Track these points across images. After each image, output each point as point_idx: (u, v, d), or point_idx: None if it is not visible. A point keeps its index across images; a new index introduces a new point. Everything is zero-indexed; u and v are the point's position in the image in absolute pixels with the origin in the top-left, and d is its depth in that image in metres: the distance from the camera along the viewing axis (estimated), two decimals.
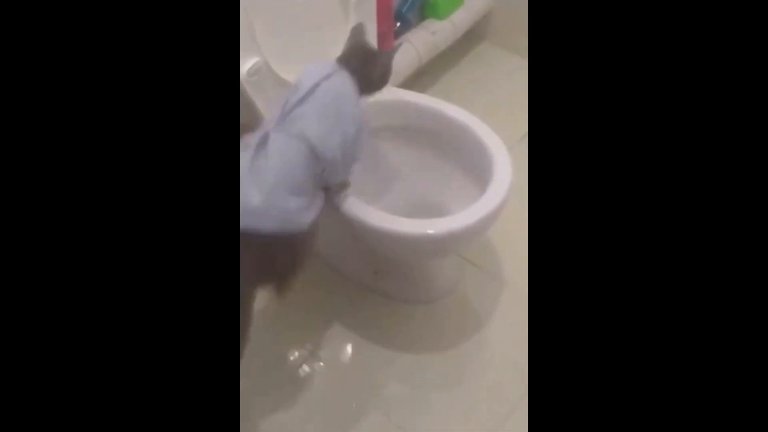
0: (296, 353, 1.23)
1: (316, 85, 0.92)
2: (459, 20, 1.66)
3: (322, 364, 1.22)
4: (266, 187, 0.86)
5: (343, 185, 1.02)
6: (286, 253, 0.91)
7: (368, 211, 1.02)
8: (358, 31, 1.03)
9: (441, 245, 1.07)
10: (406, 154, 1.25)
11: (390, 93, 1.25)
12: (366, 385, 1.18)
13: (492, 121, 1.60)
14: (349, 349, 1.25)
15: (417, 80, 1.70)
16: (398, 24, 1.60)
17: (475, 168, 1.13)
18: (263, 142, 0.89)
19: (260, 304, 0.97)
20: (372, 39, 1.17)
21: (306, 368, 1.21)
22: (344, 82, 0.96)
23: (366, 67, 0.98)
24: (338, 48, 1.16)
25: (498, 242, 1.38)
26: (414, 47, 1.57)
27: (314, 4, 1.09)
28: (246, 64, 0.99)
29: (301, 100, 0.91)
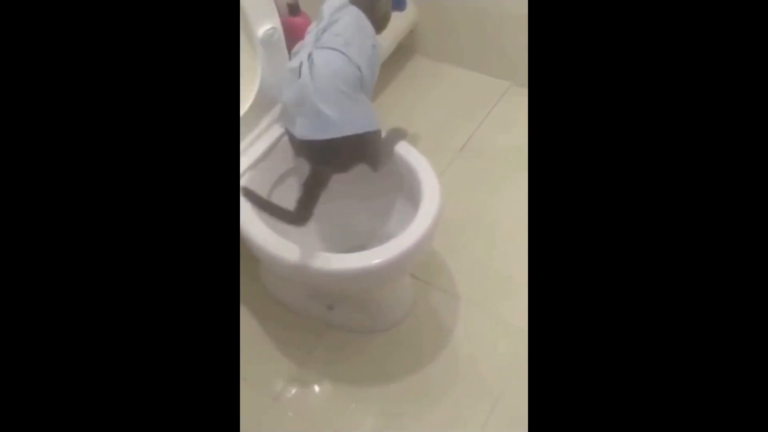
0: (260, 400, 1.20)
1: (338, 11, 1.08)
2: (385, 40, 1.66)
3: (290, 413, 1.19)
4: (332, 100, 1.01)
5: None
6: (368, 146, 1.08)
7: (299, 252, 1.01)
8: None
9: (379, 275, 1.05)
10: (343, 188, 1.24)
11: None
12: (339, 425, 1.16)
13: (433, 132, 1.62)
14: (315, 390, 1.23)
15: None
16: None
17: (410, 192, 1.12)
18: (308, 59, 1.04)
19: None
20: None
21: (273, 417, 1.18)
22: (358, 11, 1.11)
23: (372, 9, 1.13)
24: (252, 88, 1.16)
25: (446, 256, 1.37)
26: None
27: None
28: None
29: (329, 24, 1.07)
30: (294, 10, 1.41)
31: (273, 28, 1.14)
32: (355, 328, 1.26)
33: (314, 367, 1.24)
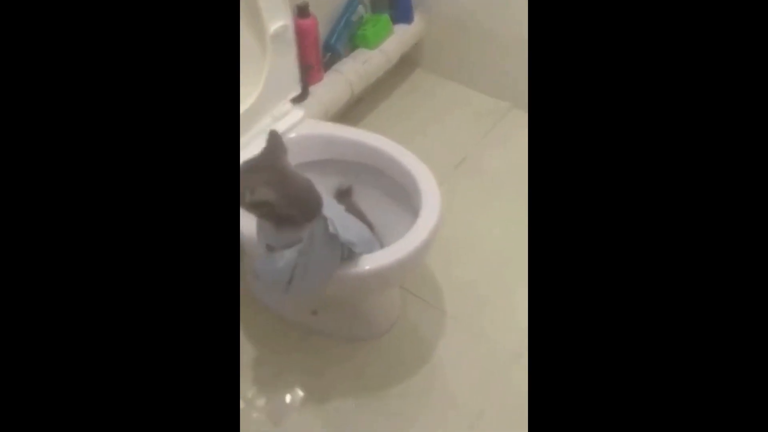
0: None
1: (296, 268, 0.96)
2: (390, 49, 1.66)
3: (267, 419, 1.16)
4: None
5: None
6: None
7: None
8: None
9: (371, 282, 1.04)
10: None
11: (313, 126, 1.24)
12: None
13: (430, 148, 1.61)
14: (295, 398, 1.19)
15: (350, 111, 1.69)
16: (328, 55, 1.59)
17: (407, 198, 1.11)
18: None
19: None
20: None
21: (250, 426, 1.15)
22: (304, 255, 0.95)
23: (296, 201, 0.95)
24: (257, 85, 1.14)
25: (436, 271, 1.36)
26: (345, 78, 1.56)
27: None
28: None
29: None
30: (303, 11, 1.40)
31: (284, 25, 1.13)
32: (339, 335, 1.24)
33: (295, 373, 1.21)
